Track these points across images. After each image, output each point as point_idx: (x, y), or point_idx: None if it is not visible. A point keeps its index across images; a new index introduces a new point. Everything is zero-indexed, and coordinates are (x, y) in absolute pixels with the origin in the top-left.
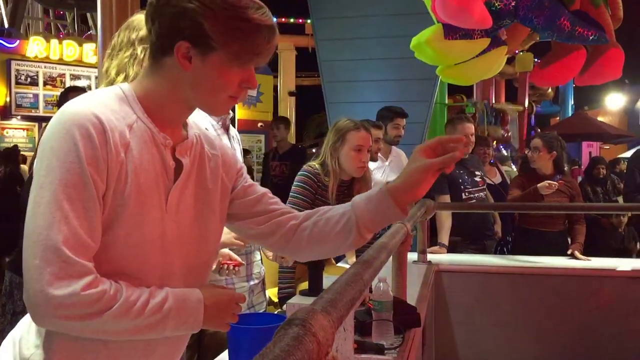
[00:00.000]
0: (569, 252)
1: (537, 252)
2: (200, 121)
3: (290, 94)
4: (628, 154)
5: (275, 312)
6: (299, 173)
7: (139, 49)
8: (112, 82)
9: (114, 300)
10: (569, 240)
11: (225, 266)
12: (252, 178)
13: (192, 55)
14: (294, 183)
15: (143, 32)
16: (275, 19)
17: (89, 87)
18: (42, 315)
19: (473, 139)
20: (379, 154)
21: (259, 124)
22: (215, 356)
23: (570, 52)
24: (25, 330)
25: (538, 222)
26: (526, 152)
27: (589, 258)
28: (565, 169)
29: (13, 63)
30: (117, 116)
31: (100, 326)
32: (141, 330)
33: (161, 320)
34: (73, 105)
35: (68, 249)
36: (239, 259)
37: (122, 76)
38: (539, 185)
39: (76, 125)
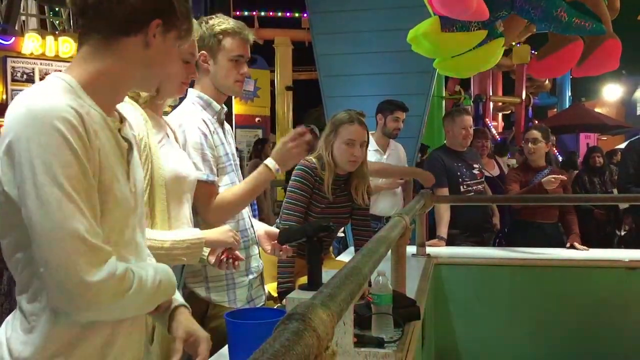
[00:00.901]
0: (568, 244)
1: (532, 244)
2: (194, 116)
3: (287, 88)
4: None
5: (275, 307)
6: (296, 168)
7: None
8: None
9: (132, 278)
10: (563, 231)
11: (225, 259)
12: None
13: (157, 34)
14: (292, 178)
15: None
16: (271, 13)
17: None
18: (86, 305)
19: (472, 131)
20: (378, 148)
21: (257, 119)
22: (216, 351)
23: (567, 43)
24: (10, 329)
25: (533, 213)
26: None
27: (587, 248)
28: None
29: (9, 60)
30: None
31: (127, 303)
32: (150, 302)
33: (157, 292)
34: (42, 100)
35: (91, 237)
36: (239, 254)
37: None
38: (543, 180)
39: (58, 118)
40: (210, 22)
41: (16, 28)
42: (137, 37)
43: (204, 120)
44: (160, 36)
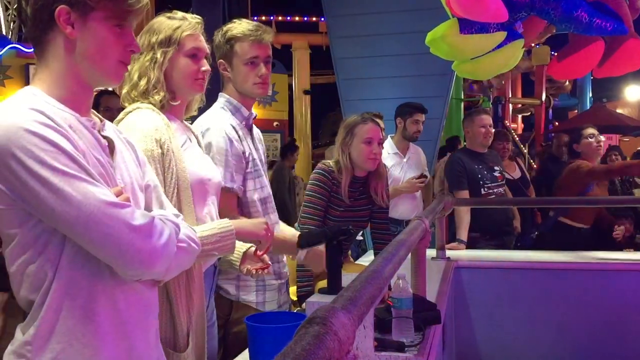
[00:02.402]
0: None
1: (568, 247)
2: (222, 121)
3: (305, 92)
4: None
5: (295, 311)
6: (314, 171)
7: (159, 53)
8: (135, 86)
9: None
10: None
11: (254, 271)
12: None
13: (74, 20)
14: (309, 182)
15: (163, 35)
16: (289, 18)
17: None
18: (152, 248)
19: (492, 130)
20: (397, 151)
21: (275, 123)
22: (237, 355)
23: (588, 43)
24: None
25: (579, 218)
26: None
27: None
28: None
29: (31, 67)
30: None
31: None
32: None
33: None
34: (8, 112)
35: (114, 198)
36: (267, 258)
37: (144, 80)
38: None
39: (26, 122)
40: (225, 28)
41: None
42: (54, 32)
43: (232, 126)
44: (78, 23)
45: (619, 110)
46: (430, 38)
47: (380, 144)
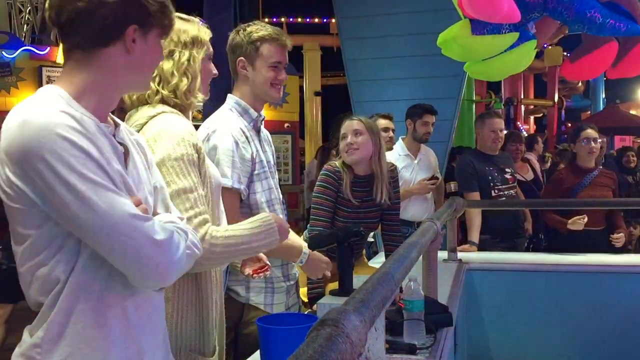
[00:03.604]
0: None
1: (577, 250)
2: (229, 123)
3: (316, 93)
4: None
5: (306, 312)
6: (321, 173)
7: (194, 52)
8: (170, 83)
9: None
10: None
11: (254, 274)
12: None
13: (136, 37)
14: (317, 183)
15: (191, 35)
16: (299, 19)
17: None
18: (168, 263)
19: (502, 134)
20: (408, 153)
21: (286, 125)
22: (249, 356)
23: (602, 44)
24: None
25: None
26: (569, 145)
27: (620, 239)
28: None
29: (44, 69)
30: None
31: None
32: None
33: None
34: (39, 111)
35: (138, 210)
36: (265, 258)
37: (185, 79)
38: (569, 222)
39: (58, 125)
40: (248, 29)
41: (51, 38)
42: (116, 46)
43: (240, 128)
44: (140, 39)
45: (632, 112)
46: (442, 39)
47: (358, 135)
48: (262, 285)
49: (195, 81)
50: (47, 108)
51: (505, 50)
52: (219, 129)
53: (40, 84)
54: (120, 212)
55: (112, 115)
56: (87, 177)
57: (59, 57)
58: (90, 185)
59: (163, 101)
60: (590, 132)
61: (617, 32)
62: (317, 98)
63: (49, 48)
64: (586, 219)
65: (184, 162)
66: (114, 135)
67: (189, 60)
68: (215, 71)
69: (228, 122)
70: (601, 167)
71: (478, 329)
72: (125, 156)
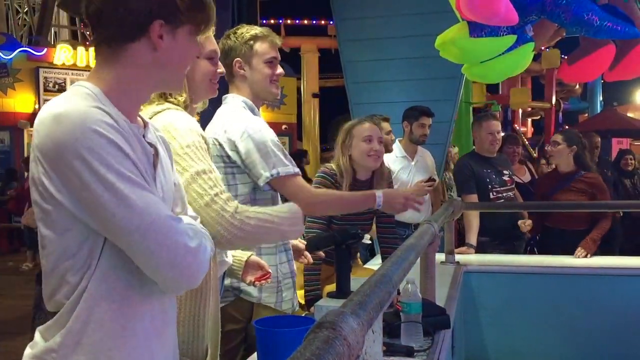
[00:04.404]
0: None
1: (560, 251)
2: (254, 118)
3: (314, 95)
4: None
5: (303, 314)
6: (317, 175)
7: None
8: None
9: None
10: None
11: (255, 281)
12: None
13: (163, 33)
14: (312, 185)
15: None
16: (297, 21)
17: None
18: (197, 268)
19: (499, 136)
20: (406, 154)
21: (283, 126)
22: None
23: (599, 47)
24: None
25: (560, 221)
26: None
27: (585, 256)
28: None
29: (41, 71)
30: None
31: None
32: None
33: None
34: (73, 107)
35: (171, 212)
36: (267, 266)
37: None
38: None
39: (94, 122)
40: (238, 32)
41: (48, 39)
42: (141, 42)
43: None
44: (168, 35)
45: (630, 114)
46: (440, 41)
47: (381, 142)
48: (274, 284)
49: (189, 82)
50: (81, 103)
51: (503, 53)
52: (251, 124)
53: (37, 85)
54: (156, 211)
55: (140, 115)
56: (124, 175)
57: (56, 58)
58: (127, 183)
59: (166, 100)
60: (556, 135)
61: (615, 35)
62: (314, 100)
63: (45, 49)
64: (529, 224)
65: (197, 148)
66: (143, 136)
67: None
68: (221, 70)
69: (251, 117)
70: (583, 171)
71: (475, 331)
72: (154, 158)
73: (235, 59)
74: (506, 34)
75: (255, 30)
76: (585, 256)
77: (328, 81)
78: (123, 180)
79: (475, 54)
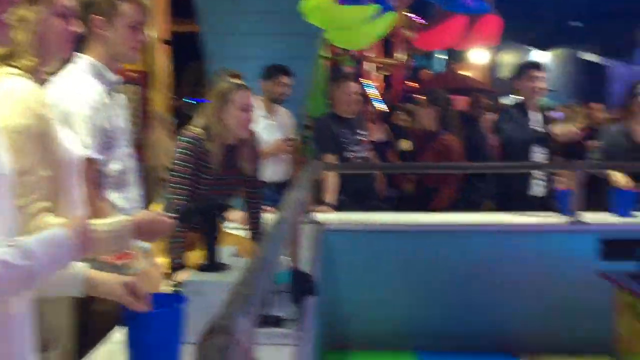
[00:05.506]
0: None
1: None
2: (84, 86)
3: (165, 42)
4: None
5: (170, 285)
6: (181, 139)
7: (29, 11)
8: None
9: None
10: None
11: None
12: None
13: None
14: (176, 150)
15: None
16: None
17: None
18: None
19: (357, 97)
20: (266, 113)
21: (133, 75)
22: (101, 337)
23: (451, 16)
24: None
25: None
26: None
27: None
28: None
29: None
30: None
31: None
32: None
33: None
34: None
35: None
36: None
37: None
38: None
39: None
40: None
41: None
42: None
43: (95, 92)
44: None
45: (466, 73)
46: (307, 6)
47: (252, 111)
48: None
49: (21, 45)
50: None
51: (366, 21)
52: (72, 92)
53: None
54: None
55: None
56: None
57: None
58: None
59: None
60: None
61: (467, 9)
62: (165, 46)
63: None
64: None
65: (26, 137)
66: None
67: (18, 20)
68: (73, 28)
69: (82, 84)
70: (445, 131)
71: (336, 290)
72: None
73: (95, 16)
74: (371, 3)
75: None
76: None
77: (181, 26)
78: None
79: (341, 21)
